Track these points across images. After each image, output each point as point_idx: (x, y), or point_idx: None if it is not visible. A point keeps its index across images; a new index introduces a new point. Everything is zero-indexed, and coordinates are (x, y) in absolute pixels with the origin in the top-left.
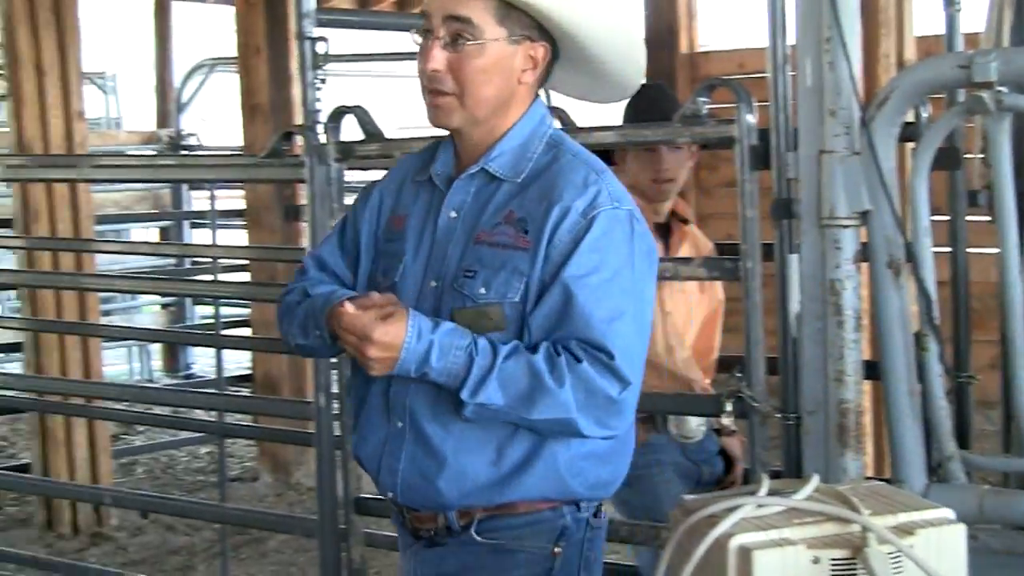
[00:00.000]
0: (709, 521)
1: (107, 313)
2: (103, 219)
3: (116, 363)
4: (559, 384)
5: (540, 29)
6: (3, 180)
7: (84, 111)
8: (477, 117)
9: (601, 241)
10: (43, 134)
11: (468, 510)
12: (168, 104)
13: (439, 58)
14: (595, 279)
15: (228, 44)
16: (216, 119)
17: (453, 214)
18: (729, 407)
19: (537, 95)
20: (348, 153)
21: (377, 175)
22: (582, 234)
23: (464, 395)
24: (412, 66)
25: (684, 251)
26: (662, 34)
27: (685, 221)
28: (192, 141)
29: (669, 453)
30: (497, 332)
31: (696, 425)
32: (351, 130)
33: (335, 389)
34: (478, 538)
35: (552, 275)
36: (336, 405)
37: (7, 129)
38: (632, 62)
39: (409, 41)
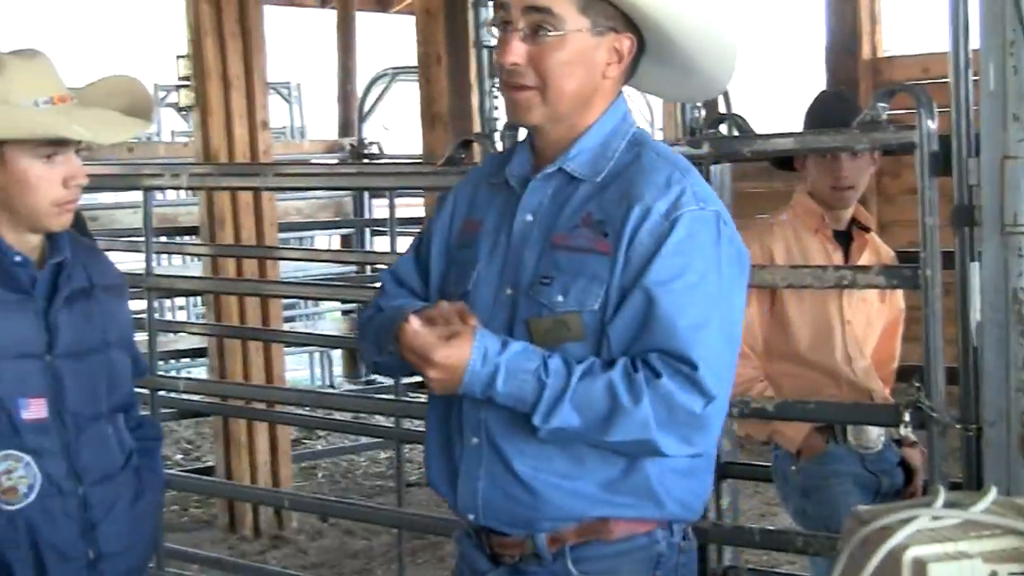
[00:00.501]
0: (883, 532)
1: (290, 319)
2: (286, 227)
3: (298, 369)
4: (636, 401)
5: (626, 20)
6: (189, 188)
7: (268, 121)
8: (559, 113)
9: (685, 244)
10: (228, 144)
11: (558, 535)
12: (351, 113)
13: (519, 51)
14: (679, 284)
15: (409, 54)
16: (397, 127)
17: (529, 217)
18: (907, 417)
19: (621, 91)
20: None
21: None
22: (664, 237)
23: (536, 421)
24: None
25: (864, 259)
26: (844, 39)
27: (866, 229)
28: (374, 149)
29: (848, 464)
30: (576, 343)
31: (876, 436)
32: None
33: None
34: (572, 569)
35: (632, 281)
36: None
37: (193, 139)
38: (723, 60)
39: None
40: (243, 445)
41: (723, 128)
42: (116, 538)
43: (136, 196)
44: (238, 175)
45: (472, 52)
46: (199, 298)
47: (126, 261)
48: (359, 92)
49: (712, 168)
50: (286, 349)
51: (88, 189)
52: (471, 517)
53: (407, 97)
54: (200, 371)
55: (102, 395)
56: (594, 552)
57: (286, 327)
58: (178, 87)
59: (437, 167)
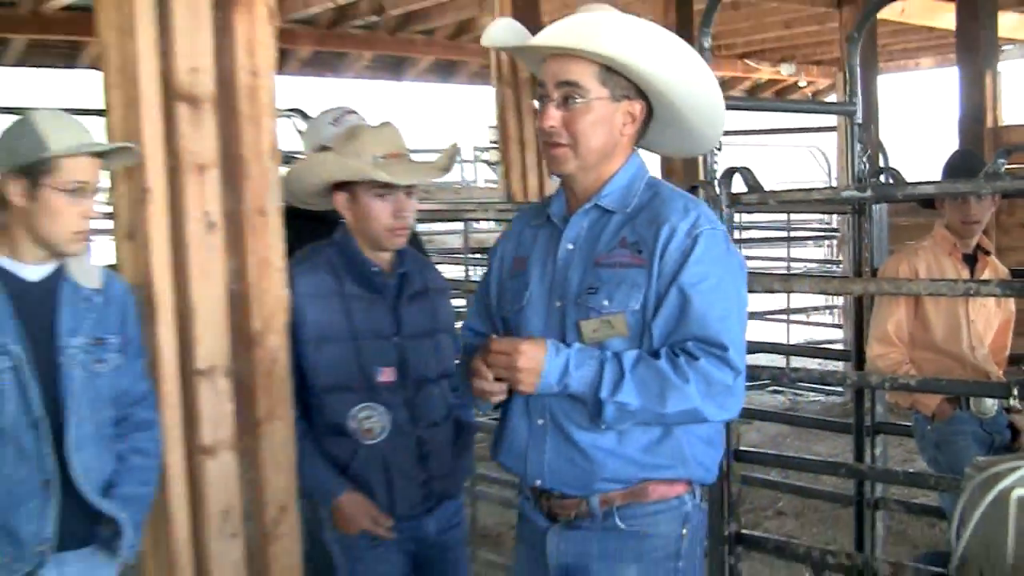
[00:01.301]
0: (995, 477)
1: None
2: None
3: None
4: (684, 380)
5: (637, 90)
6: (496, 220)
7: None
8: (588, 164)
9: (707, 255)
10: (523, 188)
11: (608, 497)
12: None
13: (554, 116)
14: (705, 286)
15: None
16: None
17: (570, 246)
18: (1016, 391)
19: (635, 148)
20: (735, 201)
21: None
22: (689, 250)
23: (603, 394)
24: (782, 138)
25: (986, 275)
26: (973, 112)
27: (987, 252)
28: None
29: (970, 425)
30: (620, 338)
31: (991, 405)
32: (739, 184)
33: None
34: (620, 524)
35: (667, 285)
36: None
37: (499, 184)
38: (714, 122)
39: (781, 119)
40: None
41: (882, 177)
42: (440, 465)
43: (459, 225)
44: None
45: None
46: None
47: (450, 272)
48: None
49: (873, 207)
50: None
51: (426, 220)
52: (538, 482)
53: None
54: None
55: (432, 365)
56: (636, 511)
57: None
58: (488, 148)
59: None
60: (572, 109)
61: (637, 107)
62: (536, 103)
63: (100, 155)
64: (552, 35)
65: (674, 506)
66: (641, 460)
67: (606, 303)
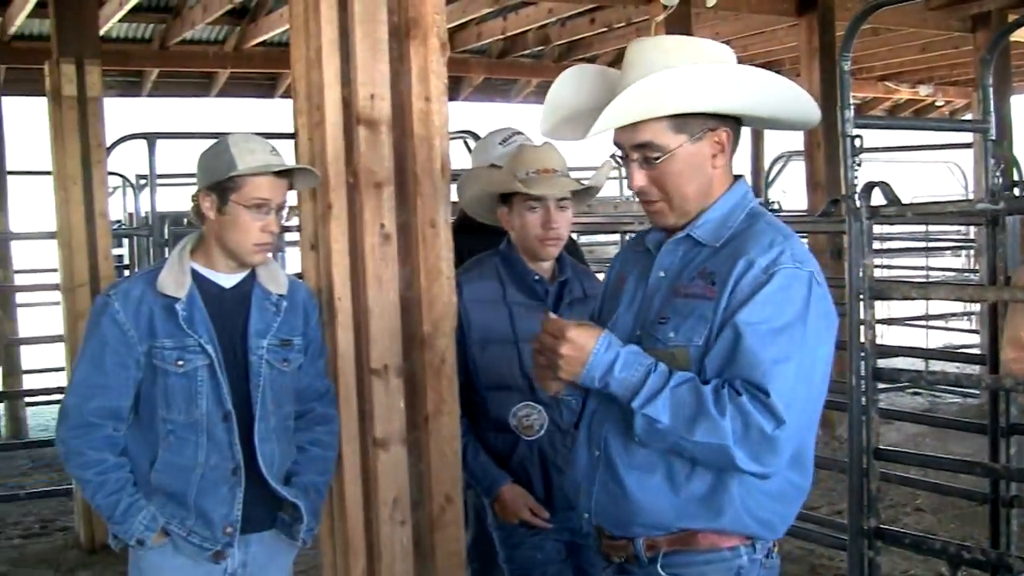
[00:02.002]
0: None
1: None
2: None
3: None
4: (721, 413)
5: (719, 117)
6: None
7: None
8: (687, 211)
9: (778, 295)
10: None
11: (654, 542)
12: (760, 182)
13: (640, 176)
14: (765, 327)
15: (798, 140)
16: (792, 192)
17: (662, 274)
18: None
19: (740, 175)
20: (875, 214)
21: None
22: (761, 286)
23: (635, 404)
24: (922, 155)
25: None
26: None
27: None
28: (775, 206)
29: None
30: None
31: None
32: (878, 198)
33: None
34: (662, 572)
35: (726, 319)
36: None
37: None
38: (797, 98)
39: (920, 136)
40: None
41: (1016, 191)
42: None
43: (617, 237)
44: None
45: (840, 140)
46: None
47: None
48: (766, 167)
49: (1007, 218)
50: None
51: (587, 232)
52: (586, 516)
53: (798, 170)
54: None
55: None
56: (683, 560)
57: None
58: None
59: (816, 218)
60: (656, 167)
61: (723, 134)
62: (618, 163)
63: (284, 175)
64: (614, 116)
65: (726, 558)
66: (683, 507)
67: (672, 335)
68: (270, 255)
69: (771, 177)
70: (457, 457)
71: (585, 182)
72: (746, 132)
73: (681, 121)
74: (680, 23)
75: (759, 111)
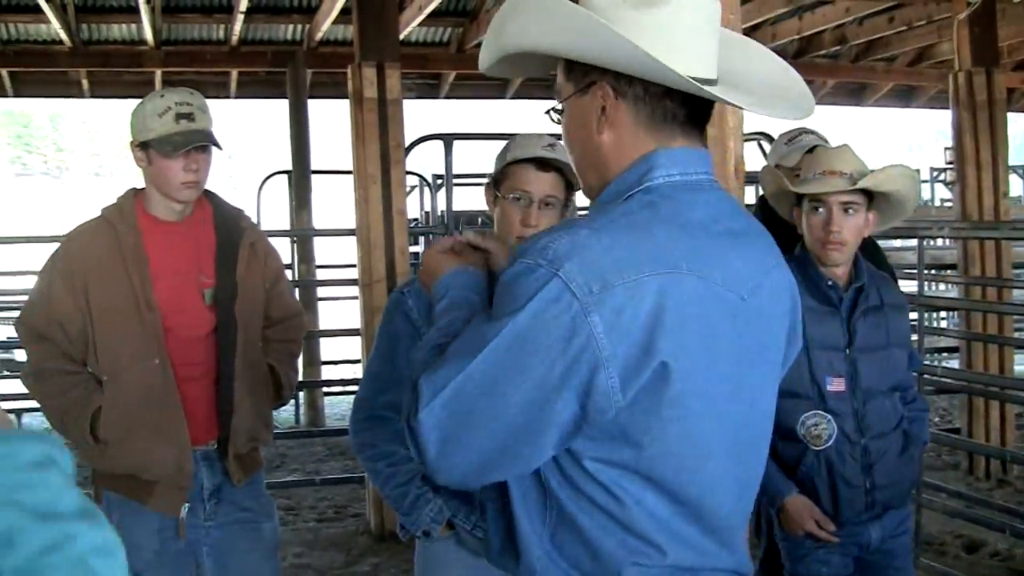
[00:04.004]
0: None
1: (1020, 329)
2: (1018, 265)
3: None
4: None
5: (610, 72)
6: (950, 237)
7: (1008, 192)
8: (588, 184)
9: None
10: (979, 207)
11: None
12: None
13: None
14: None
15: None
16: None
17: None
18: None
19: (655, 150)
20: None
21: None
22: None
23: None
24: None
25: None
26: None
27: None
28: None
29: None
30: None
31: None
32: None
33: None
34: None
35: None
36: None
37: (954, 204)
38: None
39: None
40: (981, 415)
41: None
42: (885, 474)
43: (914, 242)
44: (985, 229)
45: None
46: (955, 313)
47: (906, 287)
48: None
49: None
50: (1015, 350)
51: (884, 236)
52: None
53: None
54: (954, 362)
55: (883, 378)
56: None
57: (1016, 335)
58: (945, 169)
59: None
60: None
61: (606, 89)
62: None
63: (548, 168)
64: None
65: None
66: None
67: None
68: None
69: None
70: None
71: (862, 184)
72: None
73: (568, 64)
74: (984, 21)
75: (648, 72)
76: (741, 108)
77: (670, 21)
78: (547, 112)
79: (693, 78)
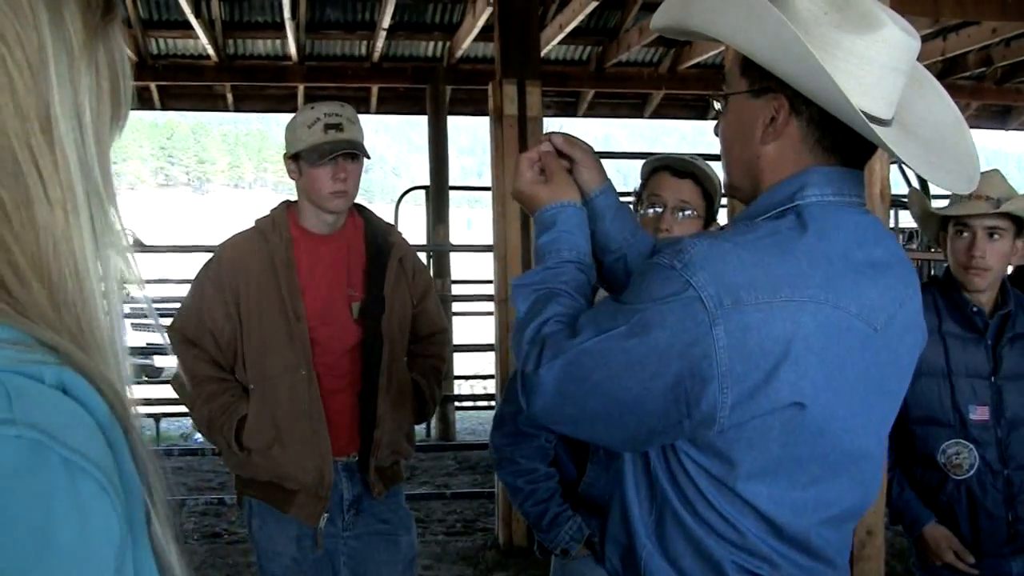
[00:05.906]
0: None
1: None
2: None
3: None
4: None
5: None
6: None
7: None
8: (738, 186)
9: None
10: None
11: None
12: None
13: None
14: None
15: None
16: None
17: None
18: None
19: (813, 167)
20: None
21: None
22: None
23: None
24: None
25: None
26: None
27: None
28: None
29: None
30: None
31: None
32: None
33: None
34: None
35: None
36: None
37: None
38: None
39: None
40: None
41: None
42: None
43: None
44: None
45: None
46: None
47: None
48: None
49: None
50: None
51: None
52: None
53: None
54: None
55: None
56: None
57: None
58: None
59: None
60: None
61: (782, 101)
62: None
63: (685, 176)
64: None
65: None
66: None
67: None
68: None
69: None
70: (882, 490)
71: (1005, 207)
72: None
73: (748, 63)
74: None
75: (829, 101)
76: (906, 165)
77: (869, 53)
78: (711, 96)
79: (869, 115)
